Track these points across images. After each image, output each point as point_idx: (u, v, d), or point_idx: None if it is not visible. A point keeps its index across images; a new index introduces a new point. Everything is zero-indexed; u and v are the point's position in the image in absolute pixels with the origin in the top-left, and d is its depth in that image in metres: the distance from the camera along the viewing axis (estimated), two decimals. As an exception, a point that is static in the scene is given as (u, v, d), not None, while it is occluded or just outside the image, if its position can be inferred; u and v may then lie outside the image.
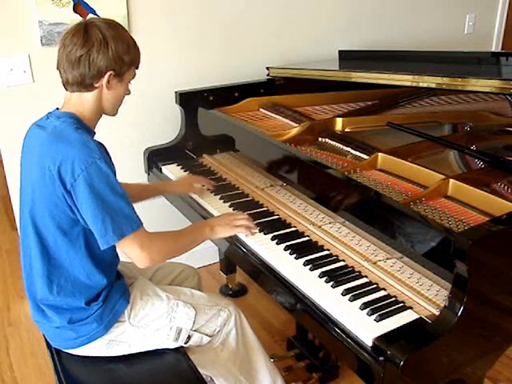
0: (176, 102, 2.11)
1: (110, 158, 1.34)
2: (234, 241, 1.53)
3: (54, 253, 1.32)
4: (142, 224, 1.29)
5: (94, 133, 1.39)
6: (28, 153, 1.36)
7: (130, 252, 1.29)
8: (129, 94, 1.41)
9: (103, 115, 1.40)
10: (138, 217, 1.28)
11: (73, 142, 1.24)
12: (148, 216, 1.65)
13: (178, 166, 2.05)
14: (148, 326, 1.41)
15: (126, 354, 1.42)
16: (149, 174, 2.15)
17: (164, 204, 2.00)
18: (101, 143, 1.32)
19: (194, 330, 1.45)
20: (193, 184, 1.80)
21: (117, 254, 1.42)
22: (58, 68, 1.32)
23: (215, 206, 1.70)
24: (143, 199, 1.72)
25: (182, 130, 2.15)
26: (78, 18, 2.04)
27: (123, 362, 1.41)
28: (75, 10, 2.04)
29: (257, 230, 1.52)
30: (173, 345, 1.44)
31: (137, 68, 1.38)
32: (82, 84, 1.29)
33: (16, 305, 2.45)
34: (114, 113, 1.41)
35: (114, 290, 1.39)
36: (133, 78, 1.38)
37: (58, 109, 1.37)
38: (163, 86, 2.26)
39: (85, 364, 1.40)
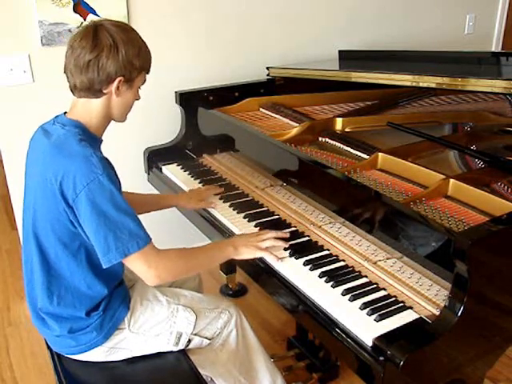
0: (176, 102, 2.11)
1: (115, 172, 1.29)
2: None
3: (55, 264, 1.30)
4: (150, 240, 1.23)
5: (102, 140, 1.36)
6: (32, 159, 1.33)
7: (136, 269, 1.25)
8: (138, 99, 1.36)
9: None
10: (145, 233, 1.23)
11: (74, 156, 1.20)
12: (151, 219, 1.65)
13: (178, 166, 2.04)
14: (148, 331, 1.40)
15: (126, 358, 1.42)
16: (149, 174, 2.15)
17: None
18: (105, 157, 1.26)
19: (194, 334, 1.44)
20: (203, 198, 1.72)
21: (122, 265, 1.36)
22: (65, 72, 1.28)
23: (215, 206, 1.70)
24: (150, 211, 1.68)
25: (182, 129, 2.15)
26: (78, 18, 2.05)
27: (123, 363, 1.41)
28: (75, 9, 2.04)
29: (285, 253, 1.41)
30: (173, 349, 1.43)
31: (147, 73, 1.33)
32: (91, 90, 1.25)
33: (16, 305, 2.44)
34: (122, 119, 1.36)
35: (114, 298, 1.37)
36: (143, 83, 1.33)
37: (65, 113, 1.33)
38: (163, 86, 2.26)
39: (85, 365, 1.39)
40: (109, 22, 1.26)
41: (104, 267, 1.23)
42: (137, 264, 1.24)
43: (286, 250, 1.42)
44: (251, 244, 1.40)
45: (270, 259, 1.39)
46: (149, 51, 1.31)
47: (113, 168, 1.29)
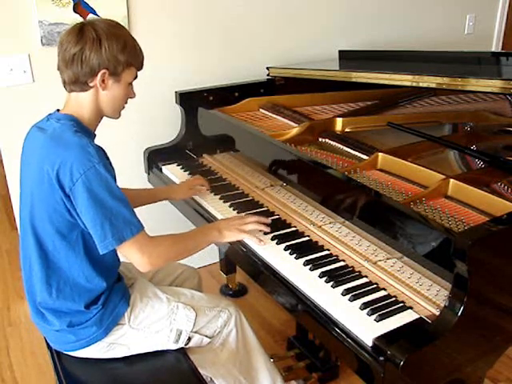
0: (176, 102, 2.11)
1: (110, 162, 1.32)
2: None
3: (53, 256, 1.31)
4: (142, 228, 1.27)
5: (95, 135, 1.38)
6: (28, 155, 1.35)
7: (130, 256, 1.28)
8: (133, 97, 1.39)
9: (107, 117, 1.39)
10: (138, 221, 1.27)
11: (71, 146, 1.22)
12: (150, 217, 1.65)
13: (178, 166, 2.04)
14: (148, 328, 1.41)
15: (126, 355, 1.42)
16: (149, 174, 2.15)
17: (165, 204, 1.99)
18: (100, 147, 1.30)
19: (195, 332, 1.45)
20: (191, 187, 1.77)
21: (117, 257, 1.41)
22: (58, 69, 1.32)
23: (215, 206, 1.70)
24: (143, 204, 1.70)
25: (182, 129, 2.15)
26: (78, 18, 2.05)
27: (123, 362, 1.41)
28: (75, 9, 2.04)
29: (267, 238, 1.47)
30: (173, 346, 1.44)
31: (138, 69, 1.36)
32: (77, 83, 1.29)
33: (16, 305, 2.45)
34: (114, 115, 1.39)
35: (113, 293, 1.38)
36: (133, 79, 1.36)
37: (58, 110, 1.36)
38: (163, 86, 2.26)
39: (85, 364, 1.40)
40: (100, 20, 1.31)
41: (101, 253, 1.25)
42: (130, 251, 1.27)
43: (286, 249, 1.41)
44: (234, 227, 1.45)
45: (252, 242, 1.44)
46: (137, 48, 1.34)
47: (108, 158, 1.33)
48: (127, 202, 1.26)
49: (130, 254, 1.28)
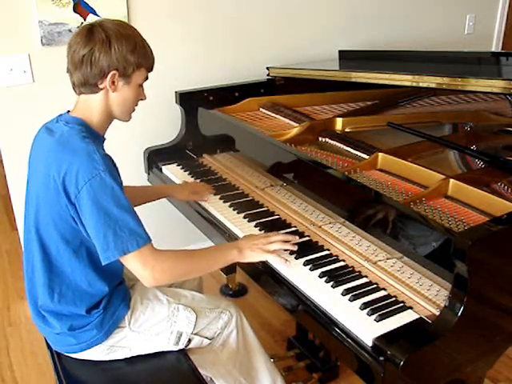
0: (176, 102, 2.11)
1: (117, 170, 1.29)
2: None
3: (57, 261, 1.30)
4: (150, 240, 1.23)
5: (104, 139, 1.37)
6: (35, 157, 1.34)
7: (132, 268, 1.25)
8: (144, 99, 1.37)
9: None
10: (145, 232, 1.22)
11: (78, 152, 1.21)
12: (150, 218, 1.65)
13: (178, 166, 2.04)
14: (148, 330, 1.41)
15: (126, 357, 1.41)
16: (149, 174, 2.15)
17: (167, 205, 1.99)
18: (107, 154, 1.27)
19: (195, 334, 1.44)
20: (194, 191, 1.75)
21: (121, 263, 1.35)
22: (67, 71, 1.31)
23: (215, 206, 1.70)
24: (144, 202, 1.69)
25: (182, 129, 2.15)
26: (78, 18, 2.05)
27: (123, 362, 1.41)
28: (75, 9, 2.04)
29: (292, 257, 1.38)
30: (173, 348, 1.43)
31: (148, 71, 1.34)
32: (87, 85, 1.27)
33: (16, 305, 2.44)
34: (125, 118, 1.37)
35: (114, 296, 1.37)
36: (144, 80, 1.34)
37: (69, 111, 1.34)
38: (163, 86, 2.26)
39: (85, 364, 1.39)
40: (109, 21, 1.29)
41: (103, 264, 1.22)
42: (133, 263, 1.23)
43: (285, 249, 1.40)
44: (257, 247, 1.36)
45: (277, 262, 1.35)
46: (148, 49, 1.32)
47: (115, 165, 1.30)
48: (134, 212, 1.23)
49: (133, 267, 1.24)
